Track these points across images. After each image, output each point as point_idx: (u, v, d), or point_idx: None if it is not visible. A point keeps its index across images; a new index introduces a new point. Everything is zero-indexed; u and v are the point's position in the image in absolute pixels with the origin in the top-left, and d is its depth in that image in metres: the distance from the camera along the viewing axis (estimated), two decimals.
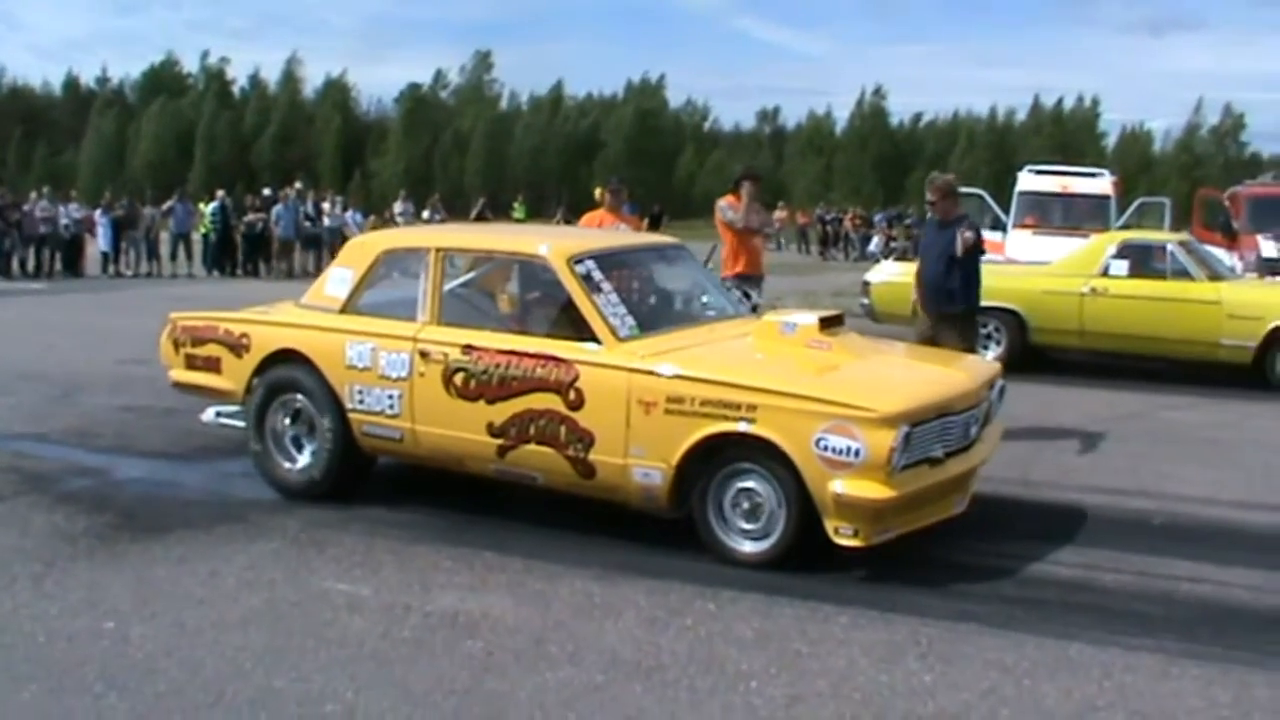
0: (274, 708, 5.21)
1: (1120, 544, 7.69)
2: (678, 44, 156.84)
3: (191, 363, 9.25)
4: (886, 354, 8.66)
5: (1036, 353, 15.29)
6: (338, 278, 8.81)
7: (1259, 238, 24.42)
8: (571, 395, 7.47)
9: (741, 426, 7.02)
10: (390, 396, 8.14)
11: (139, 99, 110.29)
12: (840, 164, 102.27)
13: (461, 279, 8.65)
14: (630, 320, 7.74)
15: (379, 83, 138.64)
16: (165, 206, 32.75)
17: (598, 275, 7.88)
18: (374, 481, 8.81)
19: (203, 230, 32.17)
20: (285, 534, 7.73)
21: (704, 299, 8.88)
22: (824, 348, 7.81)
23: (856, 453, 6.71)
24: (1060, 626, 6.25)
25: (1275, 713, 5.31)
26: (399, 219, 35.10)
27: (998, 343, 15.14)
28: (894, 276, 16.45)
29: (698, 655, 5.83)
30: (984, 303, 14.37)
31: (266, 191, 34.22)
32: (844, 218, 50.75)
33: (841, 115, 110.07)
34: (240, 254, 31.73)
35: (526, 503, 8.19)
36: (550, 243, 8.23)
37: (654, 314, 8.23)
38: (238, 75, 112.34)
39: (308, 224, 31.80)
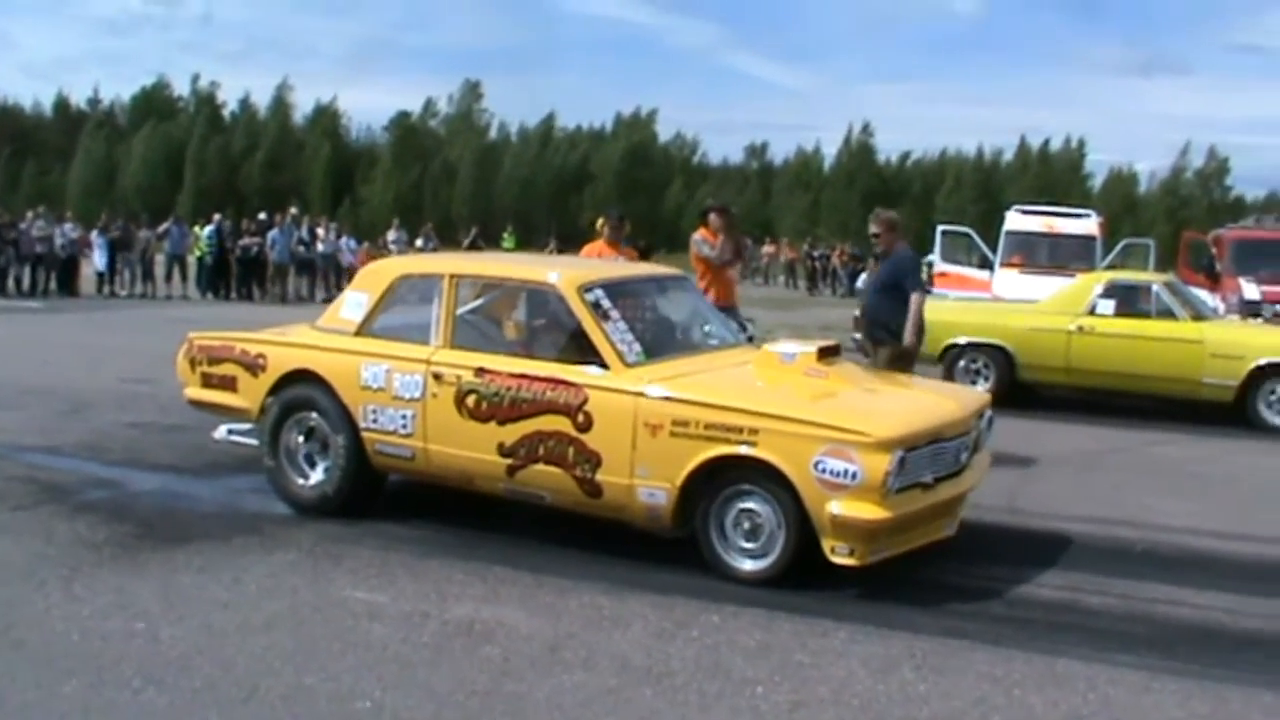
0: (306, 703, 5.51)
1: (1104, 569, 8.00)
2: (667, 77, 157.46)
3: (208, 381, 9.49)
4: (881, 383, 8.98)
5: (1025, 389, 15.59)
6: (353, 301, 9.08)
7: (1241, 280, 24.80)
8: (580, 418, 7.76)
9: (743, 449, 7.31)
10: (403, 416, 8.42)
11: (129, 121, 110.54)
12: (828, 200, 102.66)
13: (473, 305, 8.93)
14: (637, 347, 8.04)
15: (368, 109, 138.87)
16: (161, 229, 33.10)
17: (606, 303, 8.19)
18: (384, 499, 9.08)
19: (197, 253, 32.50)
20: (301, 546, 8.01)
21: (705, 328, 9.18)
22: (821, 376, 8.13)
23: (853, 475, 7.01)
24: (1047, 643, 6.56)
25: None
26: (392, 247, 35.43)
27: (986, 378, 15.50)
28: None
29: (704, 663, 6.13)
30: (974, 339, 14.77)
31: (262, 216, 34.49)
32: (831, 254, 51.13)
33: (829, 151, 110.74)
34: (235, 277, 31.99)
35: (533, 521, 8.46)
36: (560, 272, 8.53)
37: (659, 341, 8.50)
38: (228, 99, 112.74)
39: (302, 249, 32.09)
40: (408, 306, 8.95)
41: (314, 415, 8.86)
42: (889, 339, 10.83)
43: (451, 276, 8.71)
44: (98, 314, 26.39)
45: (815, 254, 51.12)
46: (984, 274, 26.22)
